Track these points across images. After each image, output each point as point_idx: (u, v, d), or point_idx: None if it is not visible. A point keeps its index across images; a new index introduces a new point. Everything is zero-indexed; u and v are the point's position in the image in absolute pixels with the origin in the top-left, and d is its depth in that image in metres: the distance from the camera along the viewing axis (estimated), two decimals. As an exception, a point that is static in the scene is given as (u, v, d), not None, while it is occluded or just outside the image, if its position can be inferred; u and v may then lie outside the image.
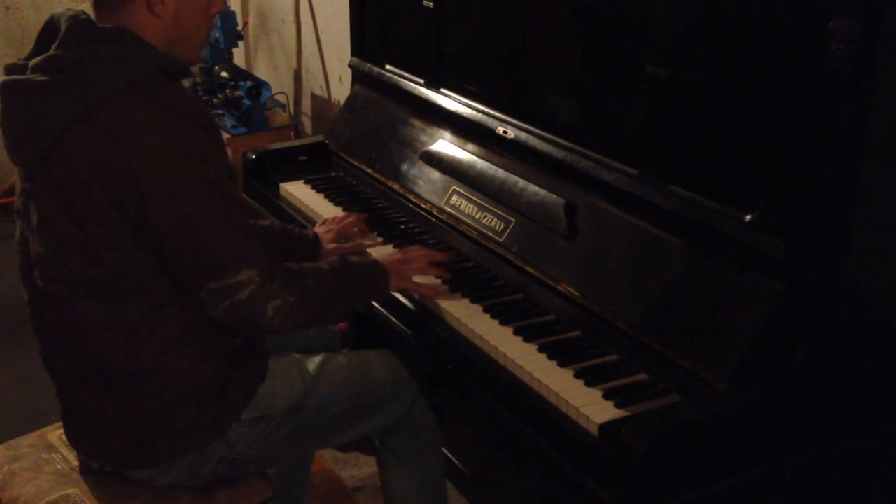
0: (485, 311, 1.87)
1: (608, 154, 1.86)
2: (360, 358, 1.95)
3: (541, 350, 1.73)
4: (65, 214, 1.57)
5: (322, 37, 4.05)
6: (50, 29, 1.61)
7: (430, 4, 2.36)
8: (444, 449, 2.18)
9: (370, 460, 2.73)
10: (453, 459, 2.50)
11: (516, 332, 1.79)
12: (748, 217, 1.57)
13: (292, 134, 4.13)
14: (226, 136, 3.95)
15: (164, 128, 1.53)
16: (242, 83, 4.03)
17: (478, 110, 2.23)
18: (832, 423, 1.59)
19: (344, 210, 2.36)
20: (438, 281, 1.96)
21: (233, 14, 4.12)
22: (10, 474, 1.78)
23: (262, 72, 4.67)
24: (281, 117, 4.12)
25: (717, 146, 1.66)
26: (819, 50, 1.40)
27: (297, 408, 1.79)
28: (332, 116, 3.74)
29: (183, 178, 1.53)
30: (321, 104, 4.18)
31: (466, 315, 1.86)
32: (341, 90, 3.93)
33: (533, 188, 1.99)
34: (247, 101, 3.96)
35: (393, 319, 1.97)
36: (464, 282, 1.98)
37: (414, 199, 2.29)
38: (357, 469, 2.75)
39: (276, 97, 4.17)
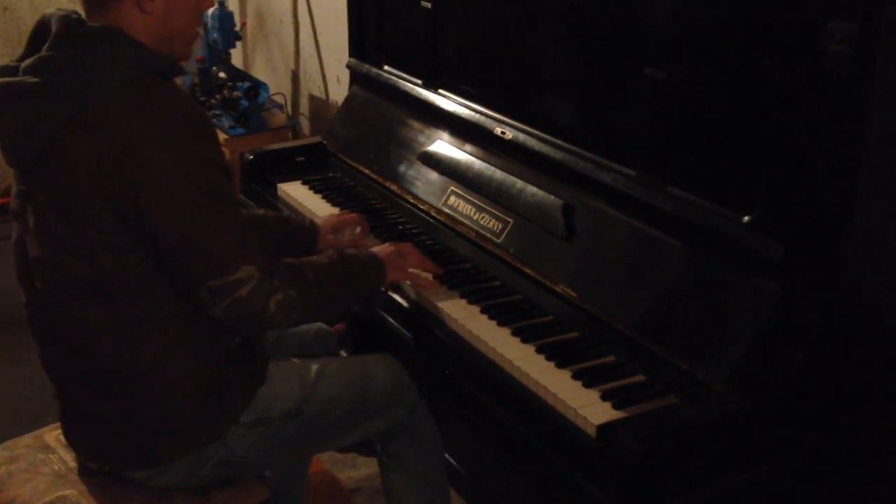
0: (483, 311, 1.87)
1: (606, 155, 1.86)
2: (359, 362, 1.95)
3: (539, 351, 1.73)
4: (61, 217, 1.56)
5: (320, 37, 4.05)
6: (41, 29, 1.61)
7: (428, 5, 2.36)
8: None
9: (368, 461, 2.73)
10: (451, 461, 2.50)
11: (514, 333, 1.79)
12: (746, 219, 1.57)
13: (290, 135, 4.13)
14: (223, 136, 3.95)
15: (156, 127, 1.53)
16: (240, 84, 4.02)
17: (476, 111, 2.23)
18: (830, 425, 1.59)
19: (341, 211, 2.36)
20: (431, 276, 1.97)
21: (231, 15, 4.12)
22: (6, 475, 1.77)
23: (259, 72, 4.66)
24: (279, 118, 4.12)
25: (716, 148, 1.66)
26: (817, 51, 1.40)
27: (297, 412, 1.79)
28: (329, 117, 3.73)
29: (177, 177, 1.53)
30: (319, 105, 4.18)
31: (464, 316, 1.86)
32: (339, 91, 3.93)
33: (531, 189, 1.99)
34: (244, 102, 3.96)
35: (391, 321, 1.97)
36: (462, 282, 1.98)
37: (412, 200, 2.29)
38: (355, 470, 2.74)
39: (274, 98, 4.17)
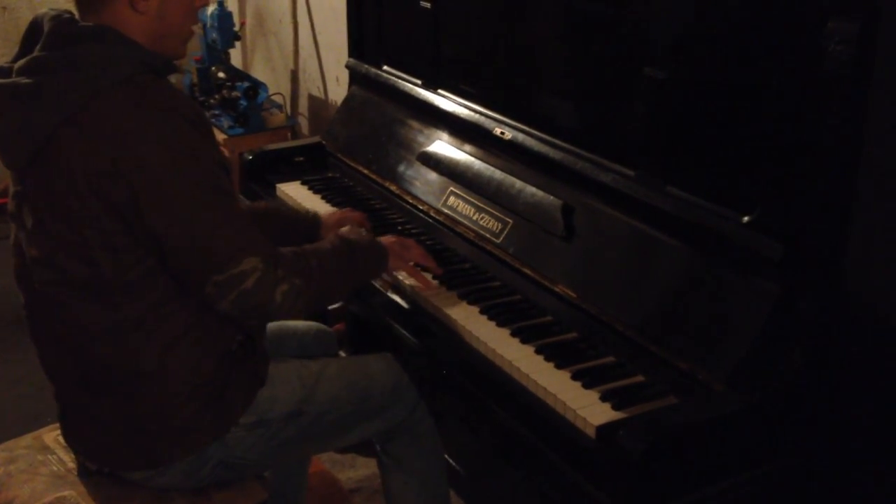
0: (482, 312, 1.87)
1: (605, 155, 1.86)
2: (359, 363, 1.94)
3: (538, 351, 1.73)
4: (58, 217, 1.56)
5: (319, 37, 4.05)
6: (34, 30, 1.60)
7: (428, 5, 2.36)
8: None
9: (367, 462, 2.73)
10: (451, 461, 2.49)
11: (513, 334, 1.79)
12: (746, 219, 1.57)
13: (289, 135, 4.13)
14: (222, 136, 3.95)
15: (151, 125, 1.52)
16: (239, 84, 4.02)
17: (475, 111, 2.23)
18: (830, 425, 1.59)
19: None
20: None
21: (230, 15, 4.12)
22: (5, 476, 1.77)
23: (259, 72, 4.66)
24: (278, 118, 4.12)
25: (715, 148, 1.65)
26: (817, 52, 1.40)
27: (297, 413, 1.79)
28: (329, 117, 3.73)
29: (173, 174, 1.53)
30: (318, 105, 4.18)
31: (463, 316, 1.86)
32: (338, 91, 3.92)
33: (530, 189, 1.99)
34: (244, 102, 3.95)
35: (390, 321, 1.97)
36: (461, 283, 1.98)
37: (411, 201, 2.29)
38: (354, 471, 2.74)
39: (273, 98, 4.17)
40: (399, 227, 2.27)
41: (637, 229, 1.76)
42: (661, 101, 1.71)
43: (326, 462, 2.74)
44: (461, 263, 2.08)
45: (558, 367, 1.68)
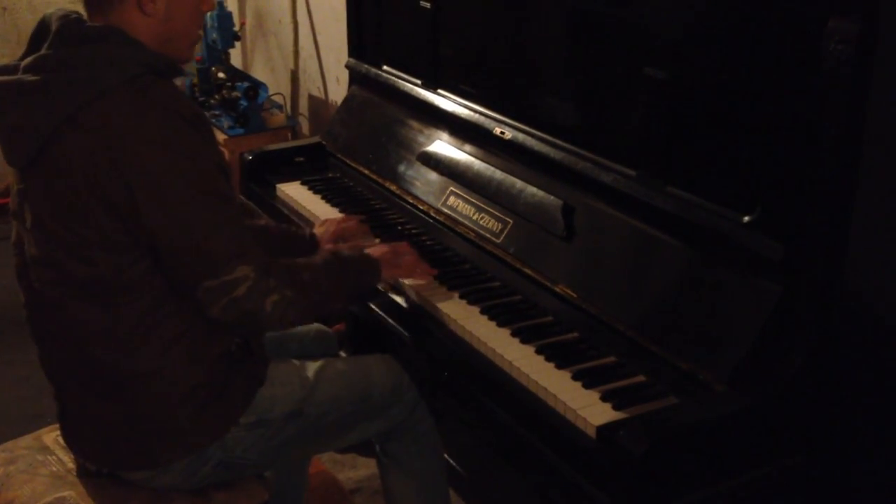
0: (482, 312, 1.87)
1: (606, 155, 1.86)
2: (359, 363, 1.94)
3: (538, 352, 1.73)
4: (57, 216, 1.56)
5: (319, 38, 4.05)
6: (42, 29, 1.61)
7: (428, 5, 2.36)
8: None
9: (368, 462, 2.72)
10: (451, 461, 2.49)
11: (514, 334, 1.79)
12: (747, 219, 1.57)
13: (289, 135, 4.12)
14: (222, 137, 3.94)
15: (151, 126, 1.53)
16: (239, 84, 4.02)
17: (475, 111, 2.23)
18: (830, 426, 1.59)
19: (341, 212, 2.36)
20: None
21: (230, 15, 4.11)
22: (5, 477, 1.77)
23: (259, 73, 4.66)
24: (278, 118, 4.11)
25: (716, 148, 1.65)
26: (817, 51, 1.40)
27: (297, 414, 1.79)
28: (329, 117, 3.73)
29: (172, 176, 1.53)
30: (318, 105, 4.18)
31: (464, 316, 1.86)
32: (338, 91, 3.92)
33: (530, 189, 1.99)
34: (244, 102, 3.95)
35: (390, 322, 1.97)
36: (461, 283, 1.98)
37: (411, 201, 2.29)
38: (354, 471, 2.74)
39: (273, 98, 4.16)
40: (399, 227, 2.27)
41: (637, 229, 1.75)
42: (661, 101, 1.71)
43: (326, 462, 2.74)
44: (461, 263, 2.07)
45: (559, 367, 1.68)
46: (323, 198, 2.46)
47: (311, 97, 4.23)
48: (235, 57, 4.64)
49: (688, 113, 1.69)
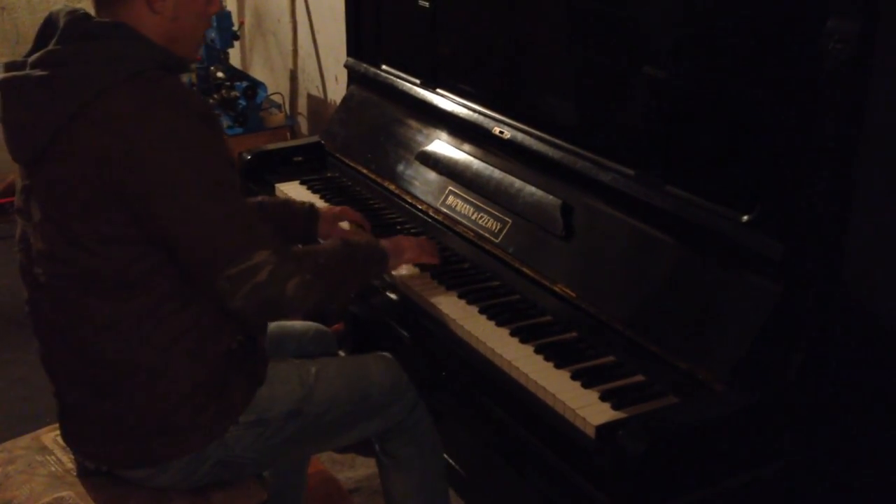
0: (481, 311, 1.87)
1: (605, 154, 1.86)
2: (358, 362, 1.94)
3: (537, 351, 1.72)
4: (66, 209, 1.56)
5: (318, 37, 4.05)
6: (49, 25, 1.62)
7: (426, 4, 2.35)
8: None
9: (367, 462, 2.72)
10: (450, 461, 2.49)
11: (513, 334, 1.79)
12: (746, 218, 1.57)
13: (288, 134, 4.13)
14: (221, 136, 3.94)
15: (161, 119, 1.53)
16: (238, 83, 4.02)
17: (474, 110, 2.23)
18: (829, 425, 1.59)
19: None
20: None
21: (229, 14, 4.12)
22: (3, 476, 1.77)
23: (257, 72, 4.66)
24: (277, 118, 4.11)
25: (715, 147, 1.65)
26: (817, 51, 1.40)
27: (296, 413, 1.79)
28: (328, 117, 3.73)
29: (184, 168, 1.53)
30: (317, 104, 4.18)
31: (462, 316, 1.85)
32: (337, 90, 3.92)
33: (529, 189, 1.99)
34: (242, 102, 3.95)
35: (389, 321, 1.97)
36: (460, 282, 1.98)
37: (410, 200, 2.29)
38: (353, 471, 2.74)
39: (272, 97, 4.17)
40: (398, 227, 2.26)
41: (636, 229, 1.75)
42: (660, 101, 1.71)
43: (326, 462, 2.74)
44: (460, 263, 2.07)
45: (557, 366, 1.68)
46: (322, 197, 2.46)
47: (309, 97, 4.23)
48: (234, 56, 4.64)
49: (687, 112, 1.69)
